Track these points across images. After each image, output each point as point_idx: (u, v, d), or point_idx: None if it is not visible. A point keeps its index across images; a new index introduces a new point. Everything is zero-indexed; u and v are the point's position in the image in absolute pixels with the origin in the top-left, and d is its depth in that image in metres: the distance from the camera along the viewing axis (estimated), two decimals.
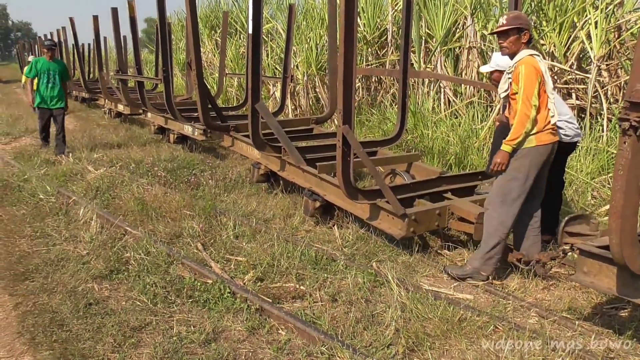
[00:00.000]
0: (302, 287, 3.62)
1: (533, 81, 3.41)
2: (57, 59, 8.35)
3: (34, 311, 3.33)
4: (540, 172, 3.64)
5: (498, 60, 4.19)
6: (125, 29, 9.73)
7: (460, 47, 8.34)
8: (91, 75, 18.08)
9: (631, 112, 1.92)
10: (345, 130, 3.93)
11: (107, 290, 3.63)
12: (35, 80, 7.97)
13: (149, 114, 9.55)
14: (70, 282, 3.69)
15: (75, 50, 14.78)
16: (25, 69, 8.07)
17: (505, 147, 3.56)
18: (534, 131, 3.51)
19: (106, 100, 12.52)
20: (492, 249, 3.66)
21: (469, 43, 8.04)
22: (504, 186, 3.62)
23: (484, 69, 4.49)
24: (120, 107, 11.23)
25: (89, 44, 18.63)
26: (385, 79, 9.91)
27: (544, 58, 6.82)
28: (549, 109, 3.54)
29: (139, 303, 3.40)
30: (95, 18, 11.33)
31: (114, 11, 9.49)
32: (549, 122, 3.54)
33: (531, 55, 3.52)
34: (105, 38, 17.19)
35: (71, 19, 13.78)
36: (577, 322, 3.17)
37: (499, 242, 3.65)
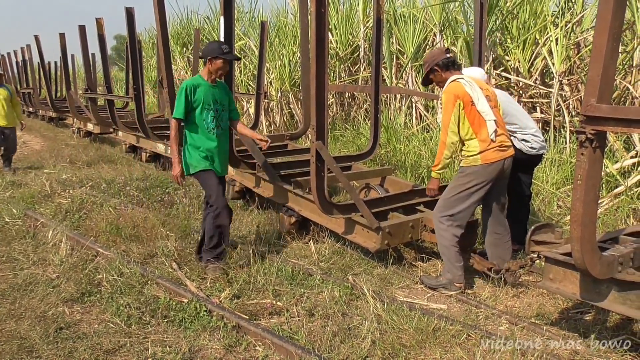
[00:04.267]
0: (279, 303, 3.63)
1: (449, 109, 3.58)
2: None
3: (1, 338, 3.23)
4: (495, 186, 3.74)
5: (469, 74, 4.19)
6: (93, 47, 9.66)
7: None
8: (59, 94, 17.79)
9: (587, 125, 2.03)
10: (318, 146, 3.99)
11: (79, 313, 3.56)
12: None
13: (120, 133, 9.45)
14: (39, 307, 3.60)
15: (41, 69, 14.54)
16: None
17: (433, 173, 3.80)
18: (475, 151, 3.59)
19: (75, 119, 12.33)
20: (452, 259, 3.77)
21: None
22: (448, 201, 3.75)
23: None
24: (90, 126, 11.09)
25: (55, 62, 18.35)
26: (358, 94, 10.07)
27: (510, 73, 7.08)
28: (485, 128, 3.58)
29: (112, 325, 3.35)
30: (62, 35, 11.20)
31: (82, 29, 9.39)
32: (491, 140, 3.58)
33: (454, 80, 3.66)
34: (72, 56, 16.99)
35: (36, 37, 13.59)
36: (545, 327, 3.27)
37: (455, 252, 3.76)
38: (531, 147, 4.21)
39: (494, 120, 3.61)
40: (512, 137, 4.08)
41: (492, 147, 3.60)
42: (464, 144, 3.66)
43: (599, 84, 1.97)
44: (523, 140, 4.22)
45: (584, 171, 2.07)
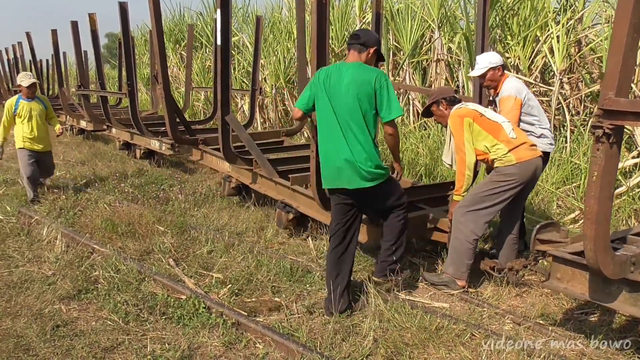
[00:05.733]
0: (278, 300, 3.58)
1: (459, 130, 3.68)
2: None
3: None
4: (524, 189, 3.73)
5: (489, 58, 4.06)
6: (86, 44, 9.51)
7: (428, 60, 8.51)
8: (50, 92, 17.56)
9: (604, 119, 1.98)
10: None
11: (76, 310, 3.48)
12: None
13: (114, 130, 9.32)
14: (35, 305, 3.52)
15: (32, 66, 14.33)
16: None
17: (455, 197, 3.78)
18: (505, 151, 3.58)
19: (67, 116, 12.15)
20: (462, 255, 3.69)
21: (437, 55, 8.22)
22: (477, 196, 3.68)
23: (477, 73, 4.12)
24: (83, 124, 10.91)
25: (47, 60, 18.11)
26: None
27: (510, 71, 7.07)
28: (502, 130, 3.63)
29: (109, 322, 3.28)
30: (54, 32, 11.02)
31: (74, 25, 9.23)
32: (512, 138, 3.60)
33: (457, 109, 3.78)
34: (64, 53, 16.76)
35: (28, 34, 13.39)
36: (550, 328, 3.23)
37: (468, 248, 3.68)
38: (550, 144, 4.12)
39: (507, 122, 3.70)
40: (529, 133, 4.01)
41: (521, 145, 3.61)
42: (491, 153, 3.65)
43: (618, 76, 1.92)
44: (542, 135, 4.09)
45: (600, 167, 2.02)
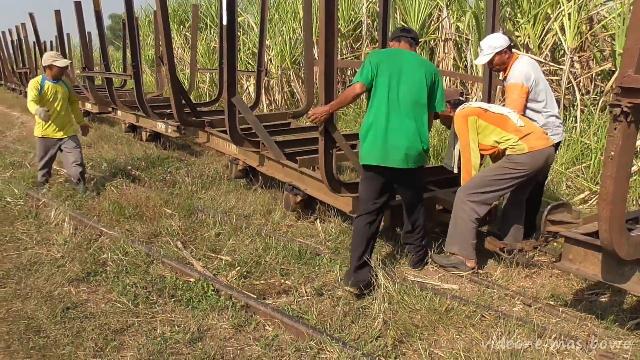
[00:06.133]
0: (287, 282, 3.57)
1: (464, 129, 3.68)
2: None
3: (8, 318, 3.17)
4: (534, 177, 3.71)
5: (493, 43, 3.89)
6: (89, 25, 9.39)
7: (435, 40, 8.38)
8: None
9: (623, 97, 1.92)
10: (327, 123, 3.88)
11: (85, 293, 3.50)
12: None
13: (119, 112, 9.29)
14: (45, 287, 3.54)
15: (36, 48, 14.24)
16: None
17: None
18: (516, 140, 3.54)
19: None
20: (465, 234, 3.67)
21: (445, 35, 8.08)
22: (485, 179, 3.66)
23: (482, 60, 3.98)
24: (88, 106, 10.88)
25: (50, 41, 18.00)
26: None
27: (519, 50, 6.94)
28: (510, 120, 3.60)
29: (119, 305, 3.29)
30: (57, 12, 10.89)
31: (77, 5, 9.12)
32: (520, 126, 3.57)
33: (460, 109, 3.78)
34: (68, 34, 16.63)
35: (31, 15, 13.26)
36: (561, 309, 3.21)
37: (471, 228, 3.66)
38: (555, 134, 3.90)
39: (513, 112, 3.67)
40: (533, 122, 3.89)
41: (531, 134, 3.58)
42: (501, 144, 3.61)
43: (638, 53, 1.86)
44: (545, 125, 3.89)
45: (617, 147, 1.97)
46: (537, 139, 3.59)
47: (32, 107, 5.27)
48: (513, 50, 4.02)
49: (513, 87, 3.82)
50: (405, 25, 8.71)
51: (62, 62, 5.51)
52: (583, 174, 5.71)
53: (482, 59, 3.97)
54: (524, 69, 3.84)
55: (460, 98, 3.97)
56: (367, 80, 3.42)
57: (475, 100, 3.62)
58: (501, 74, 4.14)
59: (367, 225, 3.49)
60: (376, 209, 3.49)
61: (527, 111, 3.89)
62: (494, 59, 3.93)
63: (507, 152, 3.61)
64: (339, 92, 9.98)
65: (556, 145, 3.98)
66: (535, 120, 3.87)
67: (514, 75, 3.85)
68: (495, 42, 3.90)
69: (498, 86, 5.04)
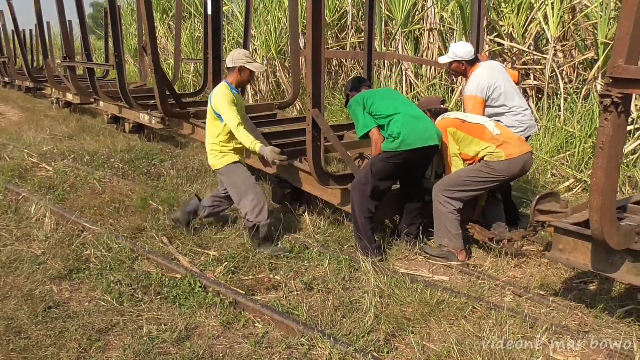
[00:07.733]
0: (276, 277, 3.53)
1: (446, 141, 3.80)
2: None
3: None
4: (511, 178, 3.84)
5: (456, 50, 4.18)
6: (70, 13, 9.15)
7: (420, 29, 8.32)
8: (35, 64, 17.10)
9: (613, 87, 1.89)
10: (315, 113, 3.82)
11: (68, 291, 3.41)
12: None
13: (101, 103, 9.09)
14: (25, 285, 3.44)
15: (15, 37, 13.88)
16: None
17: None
18: (493, 148, 3.63)
19: (53, 89, 11.84)
20: (449, 226, 3.74)
21: (429, 25, 8.03)
22: (460, 179, 3.73)
23: (443, 60, 4.32)
24: (69, 96, 10.65)
25: (30, 30, 17.57)
26: (346, 62, 9.81)
27: (503, 39, 6.93)
28: (486, 129, 3.70)
29: (103, 303, 3.21)
30: (37, 0, 10.63)
31: None
32: (496, 135, 3.67)
33: (440, 120, 3.92)
34: (48, 23, 16.23)
35: (9, 2, 12.92)
36: (551, 299, 3.22)
37: (453, 219, 3.73)
38: (521, 131, 4.08)
39: (489, 120, 3.82)
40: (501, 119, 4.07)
41: (508, 141, 3.67)
42: (480, 153, 3.70)
43: (628, 43, 1.83)
44: (511, 125, 4.07)
45: (608, 137, 1.95)
46: (514, 146, 3.66)
47: (244, 135, 3.78)
48: (479, 59, 4.27)
49: (467, 99, 4.09)
50: (391, 14, 8.65)
51: (256, 67, 4.05)
52: (567, 161, 5.74)
53: (443, 59, 4.30)
54: (478, 81, 4.06)
55: (441, 106, 4.10)
56: (371, 121, 3.76)
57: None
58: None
59: (371, 214, 3.81)
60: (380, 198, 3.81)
61: (493, 116, 4.07)
62: (452, 64, 4.23)
63: (485, 158, 3.68)
64: (324, 82, 9.90)
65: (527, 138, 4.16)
66: (502, 122, 4.03)
67: (468, 88, 4.10)
68: (459, 50, 4.16)
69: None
